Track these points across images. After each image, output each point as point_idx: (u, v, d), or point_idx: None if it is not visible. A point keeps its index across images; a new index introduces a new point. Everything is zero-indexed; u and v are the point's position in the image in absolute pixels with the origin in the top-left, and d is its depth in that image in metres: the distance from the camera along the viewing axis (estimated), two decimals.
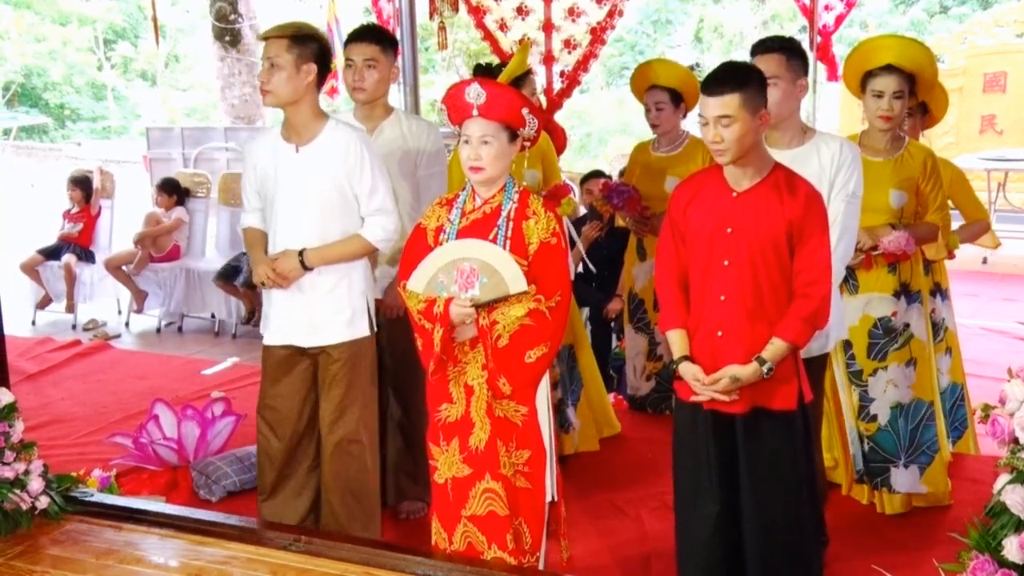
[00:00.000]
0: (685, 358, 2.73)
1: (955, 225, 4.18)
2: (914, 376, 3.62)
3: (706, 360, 2.69)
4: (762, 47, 3.07)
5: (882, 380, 3.59)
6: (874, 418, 3.61)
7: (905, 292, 3.59)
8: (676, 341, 2.76)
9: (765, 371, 2.61)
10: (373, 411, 3.34)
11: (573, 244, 4.70)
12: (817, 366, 3.12)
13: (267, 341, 3.29)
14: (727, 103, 2.57)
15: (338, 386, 3.23)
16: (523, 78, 4.11)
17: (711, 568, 2.77)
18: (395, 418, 3.79)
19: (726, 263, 2.66)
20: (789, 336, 2.62)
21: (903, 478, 3.65)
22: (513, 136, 2.78)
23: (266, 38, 3.10)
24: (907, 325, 3.60)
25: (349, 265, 3.19)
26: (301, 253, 3.10)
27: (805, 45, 3.38)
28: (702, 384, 2.66)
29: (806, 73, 3.07)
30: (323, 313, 3.18)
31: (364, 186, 3.12)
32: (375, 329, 3.29)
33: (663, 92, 4.57)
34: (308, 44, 3.07)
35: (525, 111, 2.75)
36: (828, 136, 3.11)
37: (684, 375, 2.72)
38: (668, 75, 4.57)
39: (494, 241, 2.73)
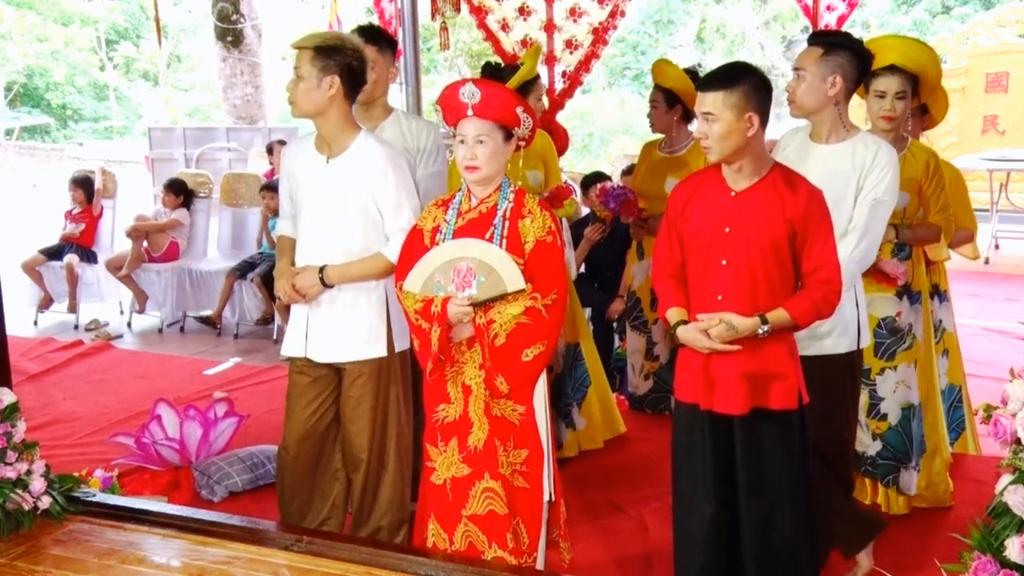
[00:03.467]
0: (682, 322, 2.71)
1: None
2: (915, 378, 3.63)
3: (702, 358, 2.69)
4: (809, 39, 3.12)
5: (891, 380, 3.58)
6: (884, 416, 3.61)
7: (907, 293, 3.59)
8: (674, 315, 2.75)
9: (762, 330, 2.60)
10: (403, 426, 3.27)
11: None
12: (845, 364, 3.12)
13: (283, 352, 3.28)
14: (710, 100, 2.59)
15: (363, 405, 3.18)
16: (531, 83, 4.12)
17: (708, 568, 2.76)
18: None
19: (724, 263, 2.66)
20: (795, 311, 2.62)
21: (912, 480, 3.66)
22: (508, 135, 2.78)
23: (295, 48, 3.06)
24: (911, 326, 3.60)
25: (371, 282, 3.15)
26: (322, 270, 3.07)
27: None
28: (699, 331, 2.63)
29: (855, 74, 3.03)
30: (339, 329, 3.14)
31: (389, 204, 3.08)
32: (396, 350, 3.21)
33: (659, 91, 4.64)
34: (332, 57, 3.00)
35: (519, 110, 2.76)
36: (870, 138, 3.09)
37: (683, 336, 2.69)
38: (663, 75, 4.62)
39: (490, 240, 2.73)
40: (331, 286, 3.09)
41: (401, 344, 3.21)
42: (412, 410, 3.34)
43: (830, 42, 3.05)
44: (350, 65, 3.04)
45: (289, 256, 3.22)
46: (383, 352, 3.17)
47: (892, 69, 3.42)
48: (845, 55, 3.00)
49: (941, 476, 3.73)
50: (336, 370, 3.21)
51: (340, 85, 3.03)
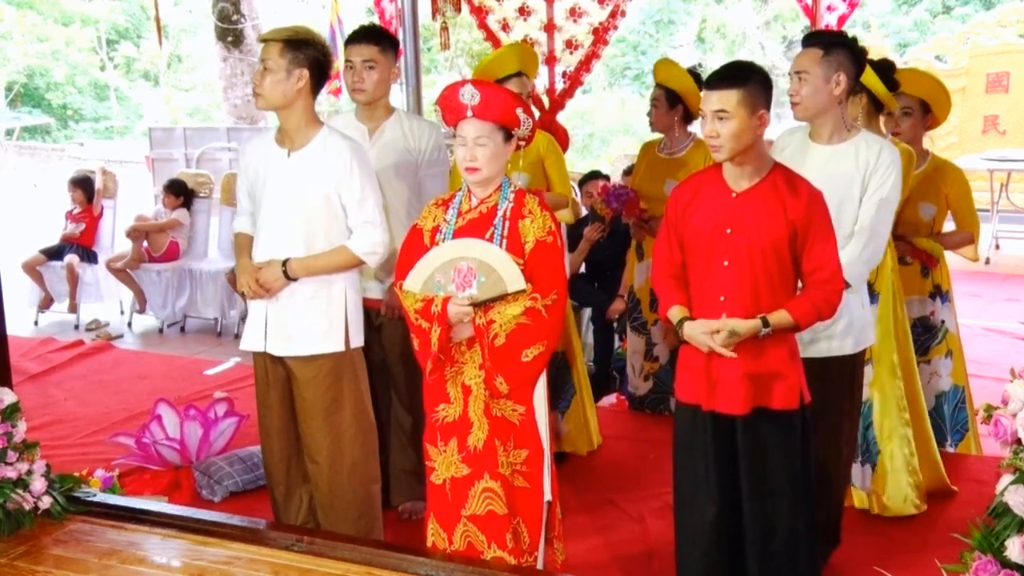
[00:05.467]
0: (687, 318, 2.71)
1: (948, 227, 4.21)
2: (871, 375, 3.56)
3: (704, 359, 2.69)
4: (803, 41, 3.08)
5: None
6: None
7: (868, 292, 3.54)
8: (676, 313, 2.75)
9: (763, 333, 2.61)
10: (364, 427, 3.24)
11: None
12: (851, 364, 3.12)
13: (242, 346, 3.25)
14: (725, 98, 2.58)
15: (315, 407, 3.14)
16: (508, 80, 3.94)
17: (710, 568, 2.77)
18: (397, 418, 3.79)
19: (726, 263, 2.66)
20: (796, 313, 2.62)
21: (858, 475, 3.64)
22: (508, 136, 2.78)
23: (263, 41, 3.08)
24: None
25: (332, 276, 3.13)
26: (285, 263, 3.05)
27: None
28: (704, 334, 2.63)
29: (854, 71, 3.03)
30: (298, 322, 3.11)
31: (352, 196, 3.06)
32: (352, 346, 3.18)
33: (660, 90, 4.63)
34: (302, 49, 3.02)
35: (519, 111, 2.76)
36: (871, 137, 3.09)
37: (689, 332, 2.68)
38: (667, 75, 4.61)
39: (490, 240, 2.73)
40: (295, 279, 3.07)
41: (356, 341, 3.20)
42: (381, 389, 3.32)
43: (829, 42, 3.04)
44: (318, 59, 3.06)
45: (248, 252, 3.20)
46: (340, 347, 3.15)
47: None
48: (844, 53, 3.00)
49: (895, 484, 3.62)
50: (287, 369, 3.17)
51: (308, 78, 3.04)
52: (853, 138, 3.06)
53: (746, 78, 2.59)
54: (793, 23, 18.78)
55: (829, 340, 3.04)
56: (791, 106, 3.07)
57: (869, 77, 3.41)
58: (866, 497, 3.69)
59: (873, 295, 3.57)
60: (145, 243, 7.24)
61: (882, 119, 3.74)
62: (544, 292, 2.72)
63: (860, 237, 2.97)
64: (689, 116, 4.62)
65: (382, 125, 3.60)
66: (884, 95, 3.50)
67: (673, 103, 4.59)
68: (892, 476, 3.62)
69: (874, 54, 3.79)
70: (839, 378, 3.08)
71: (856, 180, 2.99)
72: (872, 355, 3.56)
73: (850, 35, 3.13)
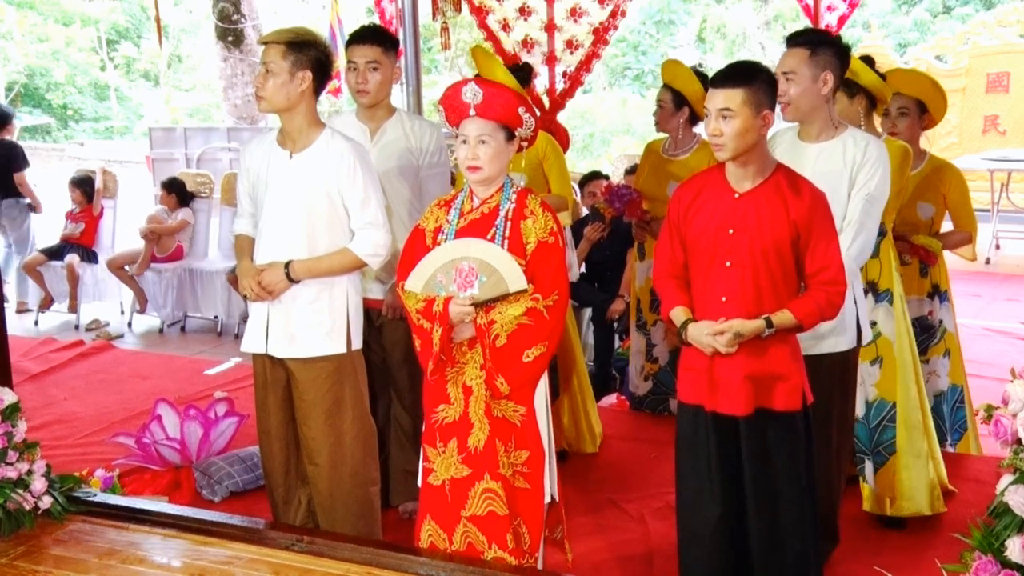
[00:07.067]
0: (690, 320, 2.70)
1: (947, 227, 4.22)
2: (878, 375, 3.57)
3: (706, 360, 2.69)
4: (789, 41, 3.07)
5: None
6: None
7: (873, 290, 3.54)
8: (679, 315, 2.75)
9: (766, 333, 2.61)
10: (364, 429, 3.24)
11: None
12: (845, 361, 3.12)
13: (243, 347, 3.24)
14: (730, 96, 2.58)
15: (316, 409, 3.13)
16: None
17: (713, 569, 2.77)
18: (397, 418, 3.79)
19: (728, 264, 2.66)
20: (800, 313, 2.62)
21: (869, 472, 3.63)
22: (510, 136, 2.78)
23: (264, 43, 3.07)
24: (874, 323, 3.56)
25: (333, 278, 3.12)
26: (288, 265, 3.04)
27: None
28: (708, 335, 2.63)
29: (841, 69, 3.03)
30: (300, 324, 3.10)
31: (355, 197, 3.05)
32: (353, 347, 3.18)
33: (666, 91, 4.62)
34: (305, 51, 3.01)
35: (522, 110, 2.76)
36: (858, 133, 3.09)
37: (693, 334, 2.68)
38: (673, 76, 4.60)
39: (492, 241, 2.73)
40: (297, 281, 3.06)
41: (357, 342, 3.20)
42: (381, 389, 3.30)
43: (815, 40, 3.04)
44: (320, 60, 3.05)
45: (249, 255, 3.19)
46: (342, 348, 3.14)
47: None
48: (830, 51, 3.01)
49: (932, 483, 3.63)
50: (288, 371, 3.16)
51: (311, 80, 3.04)
52: (840, 135, 3.06)
53: (751, 77, 2.60)
54: (793, 23, 18.77)
55: (822, 339, 3.04)
56: (780, 107, 3.06)
57: (864, 73, 3.41)
58: (874, 496, 3.65)
59: (880, 294, 3.58)
60: None
61: (879, 120, 3.74)
62: (546, 293, 2.72)
63: (848, 233, 2.97)
64: (695, 118, 4.61)
65: (383, 125, 3.60)
66: (879, 87, 3.49)
67: (679, 105, 4.58)
68: (911, 475, 3.58)
69: (874, 54, 3.80)
70: (831, 375, 3.08)
71: (844, 177, 3.00)
72: (880, 353, 3.56)
73: (834, 32, 3.13)
